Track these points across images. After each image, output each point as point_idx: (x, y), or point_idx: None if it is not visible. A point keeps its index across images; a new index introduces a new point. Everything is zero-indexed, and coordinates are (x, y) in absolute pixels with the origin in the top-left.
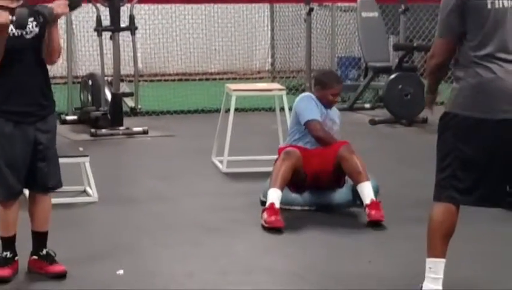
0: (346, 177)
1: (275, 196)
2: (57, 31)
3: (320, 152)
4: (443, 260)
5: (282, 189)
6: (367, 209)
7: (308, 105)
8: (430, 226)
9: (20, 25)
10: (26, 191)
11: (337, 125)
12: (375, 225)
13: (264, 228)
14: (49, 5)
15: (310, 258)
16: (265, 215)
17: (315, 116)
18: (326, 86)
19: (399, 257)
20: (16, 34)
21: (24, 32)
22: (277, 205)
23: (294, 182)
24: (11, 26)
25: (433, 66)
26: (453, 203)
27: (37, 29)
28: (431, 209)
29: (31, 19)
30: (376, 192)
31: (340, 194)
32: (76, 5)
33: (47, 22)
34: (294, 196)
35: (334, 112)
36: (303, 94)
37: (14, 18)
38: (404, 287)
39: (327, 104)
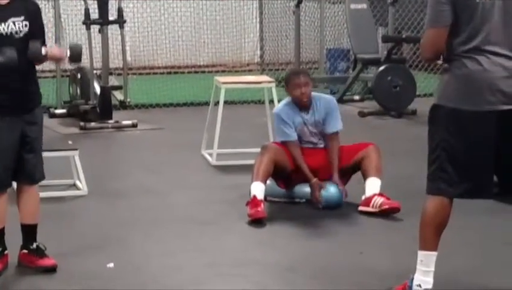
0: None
1: (257, 189)
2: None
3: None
4: (435, 253)
5: (264, 182)
6: (378, 198)
7: (278, 125)
8: (422, 219)
9: (75, 59)
10: (15, 185)
11: (321, 125)
12: (389, 212)
13: (252, 221)
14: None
15: (301, 250)
16: (248, 209)
17: (285, 137)
18: (287, 83)
19: (390, 248)
20: (5, 33)
21: (14, 32)
22: (259, 197)
23: (280, 177)
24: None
25: (426, 59)
26: (444, 196)
27: (26, 29)
28: (424, 202)
29: (21, 18)
30: None
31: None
32: (74, 60)
33: (34, 60)
34: (282, 190)
35: (319, 110)
36: (276, 107)
37: (68, 52)
38: (395, 279)
39: (301, 103)
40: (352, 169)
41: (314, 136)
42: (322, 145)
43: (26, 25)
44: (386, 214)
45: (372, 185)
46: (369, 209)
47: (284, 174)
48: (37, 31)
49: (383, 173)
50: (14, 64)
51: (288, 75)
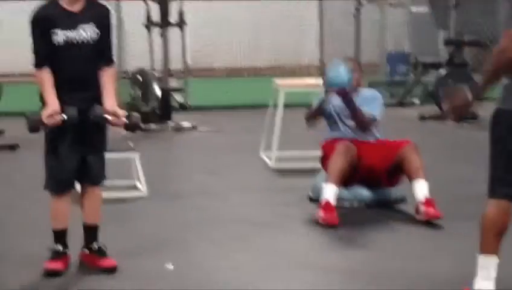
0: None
1: (331, 192)
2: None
3: (380, 147)
4: (496, 258)
5: (338, 185)
6: (422, 207)
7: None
8: (483, 223)
9: (72, 122)
10: (78, 187)
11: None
12: (429, 222)
13: (317, 223)
14: (108, 107)
15: (360, 255)
16: (320, 212)
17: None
18: None
19: (451, 254)
20: (75, 41)
21: (84, 40)
22: (332, 202)
23: (345, 176)
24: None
25: (505, 60)
26: (507, 200)
27: (96, 36)
28: (485, 206)
29: (92, 25)
30: None
31: (391, 191)
32: (134, 127)
33: (96, 120)
34: (343, 192)
35: (362, 97)
36: None
37: (64, 117)
38: (456, 285)
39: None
40: (397, 168)
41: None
42: (371, 139)
43: (97, 33)
44: (430, 222)
45: (418, 190)
46: (418, 216)
47: (352, 175)
48: (106, 38)
49: (425, 171)
50: (75, 122)
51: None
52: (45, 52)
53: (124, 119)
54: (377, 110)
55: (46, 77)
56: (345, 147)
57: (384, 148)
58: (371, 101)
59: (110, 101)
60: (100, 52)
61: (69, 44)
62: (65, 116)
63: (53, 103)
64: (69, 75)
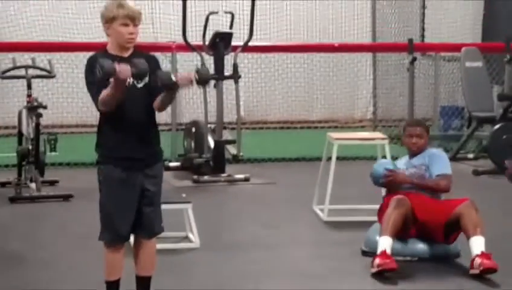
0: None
1: (386, 243)
2: (172, 99)
3: (436, 202)
4: None
5: (393, 237)
6: (478, 259)
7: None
8: None
9: (140, 76)
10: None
11: (424, 169)
12: (486, 273)
13: (374, 274)
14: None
15: None
16: (377, 260)
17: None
18: (404, 130)
19: None
20: (127, 84)
21: (136, 82)
22: (389, 251)
23: (400, 230)
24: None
25: None
26: None
27: (147, 78)
28: None
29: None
30: None
31: (446, 246)
32: (203, 82)
33: (164, 88)
34: (397, 245)
35: (426, 156)
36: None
37: (133, 70)
38: None
39: (410, 150)
40: (454, 226)
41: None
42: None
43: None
44: (486, 273)
45: (475, 245)
46: (474, 271)
47: (404, 227)
48: (156, 82)
49: (483, 227)
50: (145, 71)
51: (406, 123)
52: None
53: (192, 75)
54: (445, 167)
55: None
56: (398, 200)
57: (442, 204)
58: (439, 159)
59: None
60: (155, 94)
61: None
62: (135, 70)
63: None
64: (125, 118)
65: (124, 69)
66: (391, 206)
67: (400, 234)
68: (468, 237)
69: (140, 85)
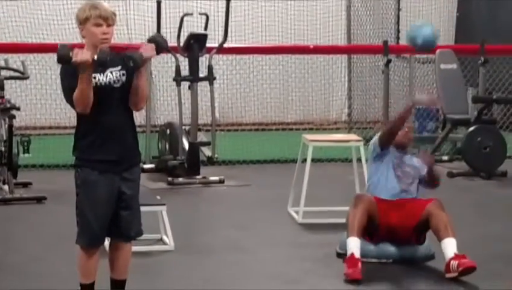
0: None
1: (354, 245)
2: (145, 77)
3: (403, 205)
4: None
5: (359, 236)
6: (454, 261)
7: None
8: None
9: (102, 62)
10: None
11: (417, 170)
12: (465, 273)
13: (345, 280)
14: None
15: None
16: (345, 267)
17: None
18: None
19: None
20: (104, 83)
21: (112, 82)
22: (357, 255)
23: (368, 229)
24: (97, 78)
25: None
26: None
27: (124, 78)
28: None
29: (118, 68)
30: None
31: (420, 248)
32: (162, 47)
33: (137, 66)
34: (370, 247)
35: (414, 159)
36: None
37: (95, 56)
38: None
39: (401, 142)
40: (424, 226)
41: (405, 175)
42: (409, 196)
43: (123, 74)
44: (465, 274)
45: (447, 248)
46: (452, 274)
47: (372, 227)
48: (129, 63)
49: (453, 228)
50: (106, 56)
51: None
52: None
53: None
54: None
55: None
56: (357, 198)
57: (410, 207)
58: (424, 167)
59: None
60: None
61: (98, 86)
62: (97, 57)
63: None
64: (102, 120)
65: (80, 52)
66: (352, 206)
67: (370, 231)
68: (439, 239)
69: (117, 85)
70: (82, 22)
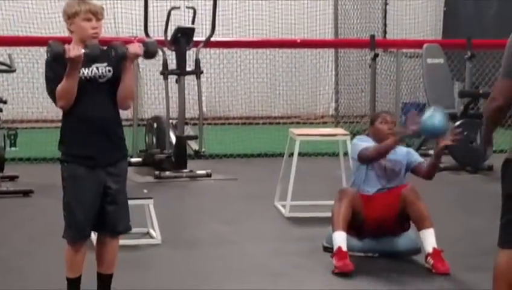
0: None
1: (340, 239)
2: (132, 75)
3: (383, 197)
4: None
5: (345, 229)
6: (430, 260)
7: (357, 142)
8: (494, 274)
9: (92, 56)
10: (93, 234)
11: (400, 165)
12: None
13: (333, 273)
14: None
15: None
16: (334, 261)
17: (362, 146)
18: (374, 118)
19: None
20: (89, 77)
21: (97, 76)
22: (344, 248)
23: (352, 224)
24: (82, 72)
25: (493, 108)
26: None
27: (110, 74)
28: (496, 255)
29: (104, 64)
30: None
31: (405, 241)
32: (152, 52)
33: (119, 57)
34: (355, 242)
35: (398, 152)
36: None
37: (86, 50)
38: None
39: (384, 139)
40: (401, 218)
41: (386, 173)
42: (388, 186)
43: (109, 70)
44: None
45: (426, 240)
46: (427, 265)
47: (357, 222)
48: (120, 76)
49: (430, 216)
50: (96, 51)
51: (378, 113)
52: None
53: (141, 47)
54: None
55: None
56: (341, 192)
57: (389, 197)
58: (411, 153)
59: None
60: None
61: (83, 80)
62: (88, 50)
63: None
64: (88, 115)
65: (73, 48)
66: (336, 200)
67: (355, 226)
68: (418, 229)
69: (103, 80)
70: (71, 16)
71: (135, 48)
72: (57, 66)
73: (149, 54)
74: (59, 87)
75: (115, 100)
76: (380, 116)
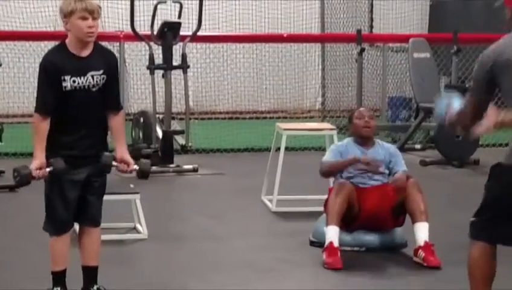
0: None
1: (333, 233)
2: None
3: (379, 189)
4: None
5: (339, 225)
6: (422, 253)
7: (328, 152)
8: (468, 267)
9: (57, 172)
10: (77, 227)
11: (382, 164)
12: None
13: (321, 267)
14: (119, 155)
15: None
16: (324, 256)
17: (327, 157)
18: (351, 116)
19: None
20: (82, 86)
21: (91, 86)
22: (336, 244)
23: (345, 218)
24: (76, 82)
25: (460, 123)
26: (488, 243)
27: (103, 82)
28: (469, 248)
29: (100, 72)
30: None
31: (392, 236)
32: (145, 174)
33: (105, 169)
34: (343, 235)
35: (382, 150)
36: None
37: (50, 169)
38: None
39: (363, 133)
40: (401, 208)
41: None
42: (380, 183)
43: (104, 78)
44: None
45: (419, 233)
46: (418, 260)
47: (350, 216)
48: (112, 83)
49: (427, 211)
50: (63, 173)
51: (354, 111)
52: (52, 100)
53: (134, 167)
54: (403, 165)
55: (44, 128)
56: (339, 186)
57: (386, 189)
58: (395, 157)
59: (121, 149)
60: (107, 98)
61: (77, 89)
62: (52, 168)
63: (41, 156)
64: (76, 119)
65: (39, 174)
66: (333, 194)
67: (347, 219)
68: (413, 221)
69: (94, 89)
70: (67, 14)
71: (125, 169)
72: (47, 86)
73: (143, 175)
74: (35, 129)
75: (103, 106)
76: (356, 113)
